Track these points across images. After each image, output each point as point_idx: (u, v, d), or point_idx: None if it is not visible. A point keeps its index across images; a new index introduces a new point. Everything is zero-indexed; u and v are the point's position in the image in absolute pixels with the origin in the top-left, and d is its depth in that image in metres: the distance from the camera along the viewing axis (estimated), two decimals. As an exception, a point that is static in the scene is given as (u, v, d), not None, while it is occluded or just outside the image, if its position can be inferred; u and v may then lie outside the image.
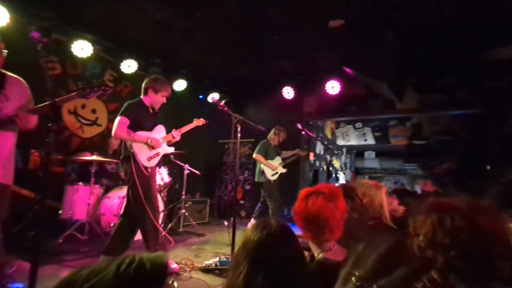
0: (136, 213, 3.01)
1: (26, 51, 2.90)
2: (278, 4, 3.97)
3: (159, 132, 3.32)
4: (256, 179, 5.52)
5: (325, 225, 1.38)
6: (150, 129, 3.24)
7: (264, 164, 5.34)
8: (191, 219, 5.34)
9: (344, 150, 10.25)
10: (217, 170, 7.58)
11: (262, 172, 5.35)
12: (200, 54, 5.60)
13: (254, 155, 5.40)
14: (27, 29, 3.86)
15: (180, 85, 6.11)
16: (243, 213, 7.02)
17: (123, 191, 4.28)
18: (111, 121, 5.58)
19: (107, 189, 4.52)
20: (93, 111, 5.37)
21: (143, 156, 3.08)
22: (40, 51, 2.00)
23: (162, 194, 4.65)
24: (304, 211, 1.42)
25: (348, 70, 4.79)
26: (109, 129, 5.48)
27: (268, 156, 5.38)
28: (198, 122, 3.80)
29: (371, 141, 9.08)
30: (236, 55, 5.57)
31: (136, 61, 5.32)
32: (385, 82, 4.39)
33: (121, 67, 5.28)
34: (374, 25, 4.11)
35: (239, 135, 3.36)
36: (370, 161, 11.08)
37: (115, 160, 4.68)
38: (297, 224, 1.48)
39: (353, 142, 9.39)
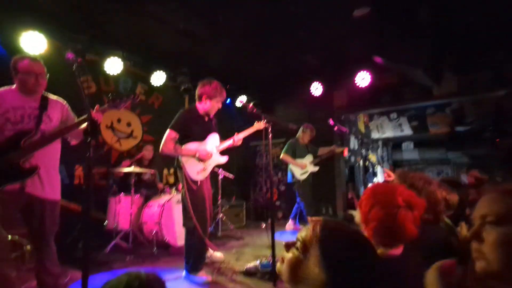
0: (184, 221, 3.04)
1: (63, 72, 3.06)
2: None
3: (212, 141, 3.19)
4: (288, 180, 5.45)
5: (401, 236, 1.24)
6: (203, 138, 3.12)
7: (292, 164, 5.25)
8: (229, 223, 5.37)
9: (380, 143, 9.86)
10: (250, 172, 7.59)
11: (293, 172, 5.26)
12: (225, 59, 5.64)
13: (281, 156, 5.33)
14: (63, 52, 4.12)
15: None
16: (280, 215, 6.96)
17: (162, 199, 4.40)
18: (145, 132, 5.78)
19: (147, 198, 4.66)
20: (128, 124, 5.58)
21: (192, 170, 3.00)
22: (75, 71, 2.08)
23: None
24: (383, 223, 1.22)
25: (378, 59, 4.59)
26: (144, 140, 5.68)
27: (297, 154, 5.28)
28: (259, 125, 3.43)
29: (408, 131, 8.65)
30: (261, 55, 5.54)
31: (164, 72, 5.47)
32: (420, 67, 4.14)
33: (151, 79, 5.46)
34: (403, 5, 3.85)
35: (270, 135, 3.31)
36: (409, 152, 10.56)
37: (152, 171, 4.83)
38: (364, 229, 1.29)
39: (388, 134, 9.00)
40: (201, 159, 3.04)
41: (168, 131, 3.00)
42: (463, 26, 4.40)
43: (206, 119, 3.20)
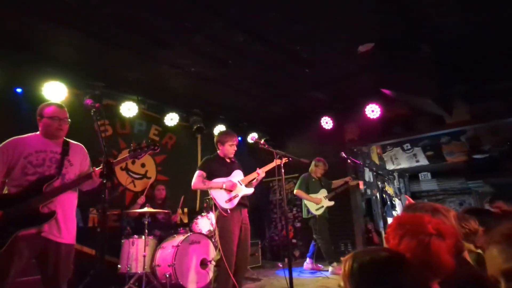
0: (216, 256, 3.33)
1: (81, 118, 3.20)
2: (304, 40, 4.06)
3: (237, 176, 3.57)
4: (303, 216, 5.32)
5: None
6: (228, 175, 3.52)
7: (306, 199, 5.15)
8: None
9: (396, 174, 9.64)
10: (264, 210, 7.45)
11: (307, 208, 5.15)
12: (235, 98, 5.81)
13: (295, 191, 5.26)
14: (81, 99, 4.34)
15: (219, 130, 6.32)
16: (297, 253, 6.71)
17: (176, 240, 4.32)
18: (159, 172, 5.84)
19: (160, 240, 4.59)
20: (142, 165, 5.67)
21: (221, 199, 3.36)
22: (93, 116, 2.18)
23: (213, 240, 4.62)
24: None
25: (386, 91, 4.64)
26: (158, 180, 5.72)
27: (310, 189, 5.20)
28: (278, 161, 3.62)
29: (423, 161, 8.47)
30: (270, 93, 5.69)
31: (177, 113, 5.65)
32: (429, 97, 4.15)
33: (164, 120, 5.62)
34: (405, 41, 3.99)
35: (282, 171, 3.33)
36: (427, 183, 10.24)
37: (166, 211, 4.81)
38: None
39: (404, 165, 8.81)
40: (228, 189, 3.39)
41: (197, 171, 3.46)
42: (471, 57, 4.47)
43: (228, 161, 3.62)
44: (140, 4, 3.32)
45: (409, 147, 8.26)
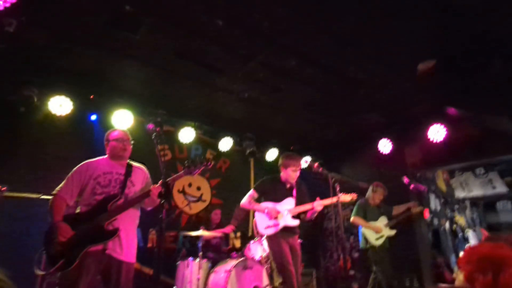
0: (276, 280, 3.48)
1: (144, 143, 3.44)
2: (357, 60, 3.96)
3: (287, 204, 3.45)
4: (361, 246, 4.92)
5: None
6: (279, 201, 3.45)
7: (365, 227, 4.77)
8: (298, 293, 4.93)
9: (468, 203, 8.63)
10: (318, 237, 7.12)
11: (366, 237, 4.76)
12: (288, 122, 5.82)
13: (351, 219, 4.91)
14: (145, 125, 4.71)
15: (272, 154, 6.32)
16: (355, 286, 6.21)
17: (228, 264, 4.29)
18: (214, 195, 5.97)
19: (214, 263, 4.60)
20: (198, 188, 5.86)
21: (262, 224, 3.39)
22: (154, 139, 2.33)
23: (266, 267, 4.50)
24: None
25: (452, 110, 4.26)
26: (212, 203, 5.84)
27: (368, 217, 4.81)
28: (345, 197, 3.41)
29: (501, 188, 7.47)
30: (323, 116, 5.60)
31: (231, 137, 5.81)
32: (505, 115, 3.71)
33: (219, 145, 5.81)
34: (474, 55, 3.66)
35: (339, 195, 3.16)
36: (507, 213, 8.96)
37: (219, 234, 4.85)
38: None
39: (477, 192, 7.86)
40: (268, 216, 3.33)
41: (251, 190, 3.52)
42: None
43: (288, 186, 3.53)
44: (197, 36, 3.57)
45: (483, 171, 7.39)
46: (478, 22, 3.26)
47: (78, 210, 2.47)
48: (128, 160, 2.69)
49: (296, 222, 3.42)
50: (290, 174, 3.46)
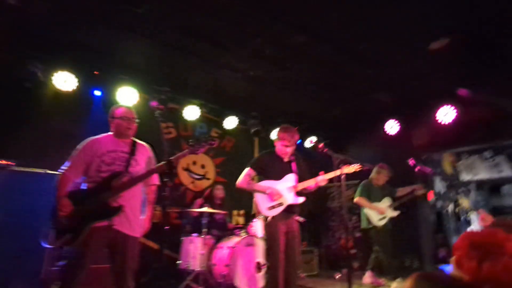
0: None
1: (149, 120, 3.41)
2: (367, 38, 3.83)
3: (288, 181, 3.18)
4: (362, 226, 4.96)
5: None
6: (279, 178, 3.17)
7: (368, 208, 4.79)
8: (299, 271, 5.05)
9: (473, 186, 8.58)
10: (321, 217, 7.20)
11: (368, 217, 4.79)
12: (294, 101, 5.73)
13: (355, 199, 4.92)
14: (149, 102, 4.68)
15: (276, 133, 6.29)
16: (355, 265, 6.33)
17: (231, 241, 4.38)
18: (218, 174, 6.01)
19: (218, 239, 4.69)
20: (203, 166, 5.89)
21: (264, 205, 3.12)
22: (157, 117, 2.30)
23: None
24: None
25: (463, 92, 4.15)
26: (216, 181, 5.89)
27: (372, 198, 4.82)
28: (349, 169, 3.19)
29: (508, 172, 7.37)
30: (330, 95, 5.50)
31: (236, 116, 5.77)
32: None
33: (223, 124, 5.78)
34: (490, 34, 3.49)
35: (343, 176, 3.13)
36: (512, 197, 8.93)
37: (223, 211, 4.91)
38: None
39: (482, 175, 7.76)
40: (270, 197, 3.09)
41: (246, 168, 3.22)
42: None
43: (286, 160, 3.25)
44: (203, 12, 3.45)
45: (491, 155, 7.29)
46: (495, 1, 3.09)
47: (84, 187, 2.49)
48: (132, 138, 2.68)
49: (301, 200, 3.19)
50: (280, 149, 3.18)
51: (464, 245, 1.07)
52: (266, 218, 3.10)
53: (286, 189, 3.14)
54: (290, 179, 3.19)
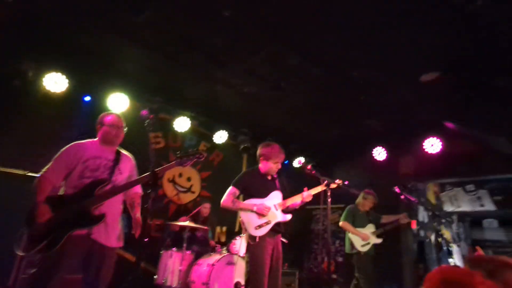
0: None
1: (138, 128, 3.37)
2: (361, 65, 3.93)
3: (274, 198, 3.13)
4: (345, 250, 4.93)
5: None
6: (265, 196, 3.11)
7: (352, 233, 4.77)
8: (279, 294, 4.93)
9: (455, 217, 8.68)
10: (304, 238, 7.13)
11: (351, 242, 4.76)
12: (285, 120, 5.77)
13: (340, 223, 4.90)
14: (140, 111, 4.63)
15: (266, 151, 6.29)
16: (336, 290, 6.24)
17: (212, 258, 4.26)
18: (203, 188, 5.92)
19: (198, 256, 4.57)
20: (189, 179, 5.80)
21: (251, 224, 3.00)
22: (147, 126, 2.27)
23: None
24: None
25: (450, 125, 4.26)
26: (201, 195, 5.79)
27: (356, 223, 4.81)
28: (332, 185, 3.21)
29: (490, 206, 7.50)
30: (321, 118, 5.57)
31: (226, 131, 5.75)
32: (502, 135, 3.71)
33: (213, 138, 5.75)
34: (481, 72, 3.62)
35: (329, 200, 3.12)
36: (492, 231, 9.01)
37: (205, 227, 4.81)
38: None
39: (465, 208, 7.88)
40: (258, 213, 3.00)
41: (230, 187, 3.14)
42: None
43: (269, 177, 3.24)
44: (202, 25, 3.49)
45: (473, 188, 7.43)
46: (486, 37, 3.22)
47: (62, 192, 2.40)
48: (117, 147, 2.63)
49: (288, 217, 3.13)
50: (271, 167, 3.15)
51: (436, 279, 1.05)
52: (254, 238, 2.95)
53: (273, 206, 3.08)
54: (276, 196, 3.16)
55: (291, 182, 3.46)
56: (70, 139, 2.57)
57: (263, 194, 3.12)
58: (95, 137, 2.59)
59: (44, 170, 2.39)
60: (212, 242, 5.05)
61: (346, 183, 3.20)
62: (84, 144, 2.52)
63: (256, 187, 3.13)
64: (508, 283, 1.20)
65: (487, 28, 3.08)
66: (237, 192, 3.11)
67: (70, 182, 2.39)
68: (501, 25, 3.00)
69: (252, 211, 3.01)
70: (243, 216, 3.04)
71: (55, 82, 4.19)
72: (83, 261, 2.32)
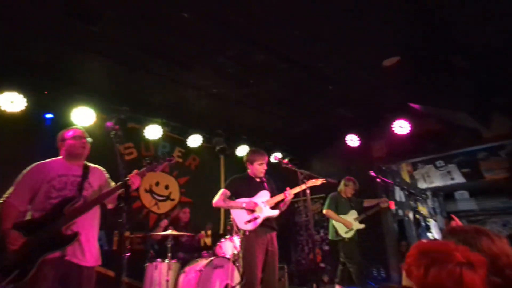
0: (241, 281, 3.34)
1: (107, 141, 3.24)
2: (326, 56, 3.99)
3: (262, 197, 3.43)
4: (330, 238, 5.02)
5: None
6: (252, 196, 3.40)
7: (336, 220, 4.87)
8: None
9: (429, 193, 9.09)
10: (289, 231, 7.19)
11: (335, 229, 4.86)
12: (258, 118, 5.77)
13: (324, 211, 5.00)
14: (108, 122, 4.45)
15: (242, 150, 6.25)
16: (325, 278, 6.35)
17: (199, 264, 4.20)
18: (183, 194, 5.82)
19: (184, 263, 4.49)
20: (166, 187, 5.68)
21: (241, 219, 3.28)
22: (113, 138, 2.19)
23: (237, 264, 4.46)
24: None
25: (416, 106, 4.43)
26: (181, 202, 5.69)
27: (339, 210, 4.91)
28: (315, 182, 3.56)
29: (459, 179, 7.93)
30: (293, 112, 5.62)
31: (200, 134, 5.67)
32: (464, 111, 3.89)
33: (187, 142, 5.65)
34: (435, 53, 3.78)
35: (308, 191, 3.18)
36: (464, 202, 9.56)
37: (188, 233, 4.73)
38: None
39: (437, 183, 8.30)
40: (247, 209, 3.28)
41: (221, 189, 3.43)
42: (507, 67, 4.17)
43: (258, 180, 3.52)
44: (162, 30, 3.41)
45: (443, 164, 7.80)
46: (443, 19, 3.37)
47: (29, 216, 2.27)
48: (84, 162, 2.52)
49: (276, 212, 3.39)
50: (258, 168, 3.46)
51: (414, 253, 1.08)
52: (244, 232, 3.22)
53: (261, 203, 3.35)
54: (264, 195, 3.44)
55: (274, 179, 3.70)
56: (32, 160, 2.44)
57: (252, 194, 3.41)
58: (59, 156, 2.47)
59: (6, 195, 2.25)
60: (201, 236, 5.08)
61: (323, 180, 3.54)
62: (47, 163, 2.40)
63: (245, 188, 3.42)
64: (481, 249, 1.26)
65: (438, 10, 3.21)
66: (228, 193, 3.39)
67: (36, 205, 2.26)
68: (451, 7, 3.15)
69: (241, 208, 3.29)
70: (234, 214, 3.31)
71: (11, 102, 3.95)
72: (60, 285, 2.21)
